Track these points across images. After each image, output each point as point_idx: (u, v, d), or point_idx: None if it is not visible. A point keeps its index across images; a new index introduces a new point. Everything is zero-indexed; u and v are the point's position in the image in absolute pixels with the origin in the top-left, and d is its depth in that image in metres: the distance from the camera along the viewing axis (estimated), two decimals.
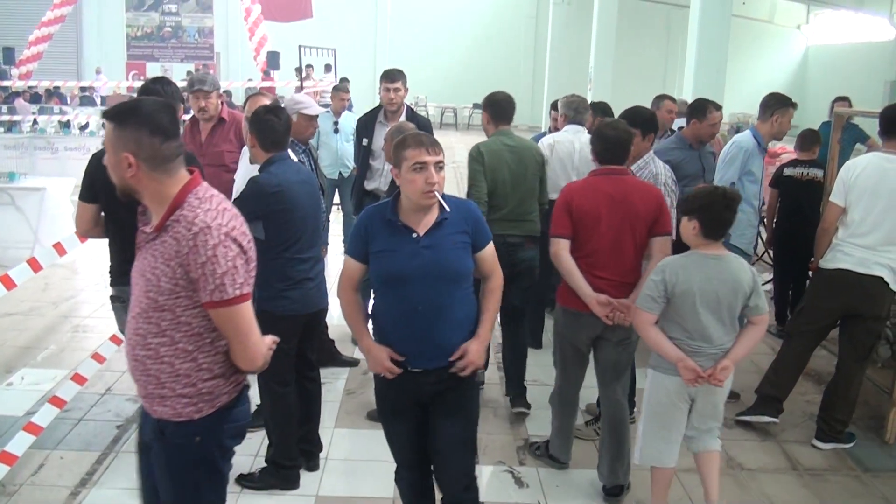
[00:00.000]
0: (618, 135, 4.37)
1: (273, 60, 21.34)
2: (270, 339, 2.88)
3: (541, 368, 6.30)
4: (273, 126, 4.27)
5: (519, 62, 30.68)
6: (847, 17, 29.24)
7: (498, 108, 5.54)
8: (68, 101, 20.60)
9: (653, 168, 4.89)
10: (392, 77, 6.44)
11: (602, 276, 4.27)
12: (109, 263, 4.29)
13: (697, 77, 11.80)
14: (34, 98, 20.76)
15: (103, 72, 26.67)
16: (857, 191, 4.93)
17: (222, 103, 5.58)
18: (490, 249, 3.54)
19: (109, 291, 4.39)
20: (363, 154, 6.50)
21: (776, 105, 5.60)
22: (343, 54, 21.49)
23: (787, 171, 7.36)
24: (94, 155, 4.10)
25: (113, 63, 29.18)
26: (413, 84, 10.67)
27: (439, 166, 3.32)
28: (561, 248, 4.31)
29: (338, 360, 6.21)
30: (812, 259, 5.44)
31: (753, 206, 5.60)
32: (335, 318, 6.87)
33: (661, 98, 7.45)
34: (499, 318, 5.73)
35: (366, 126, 6.55)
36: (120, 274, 4.08)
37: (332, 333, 6.45)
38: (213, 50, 30.95)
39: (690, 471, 4.72)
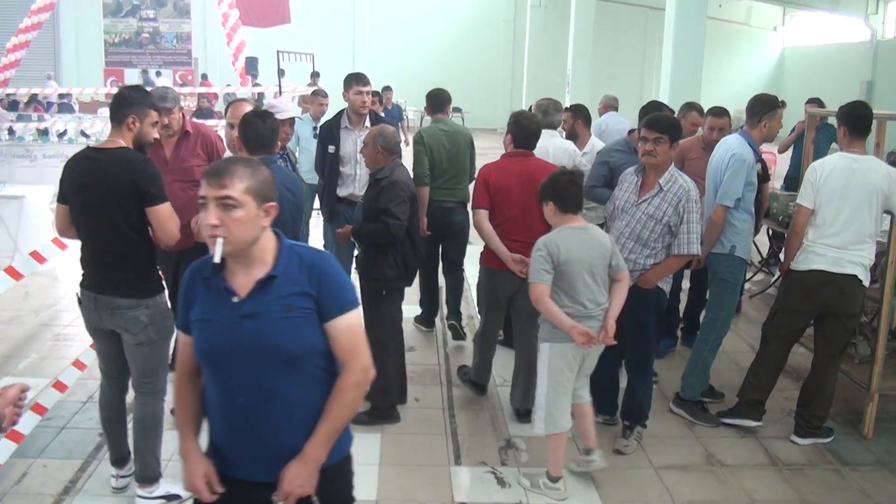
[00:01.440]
0: (531, 126, 5.40)
1: (251, 66, 21.33)
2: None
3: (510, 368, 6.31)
4: (258, 129, 4.33)
5: (497, 65, 30.81)
6: (822, 19, 29.51)
7: (434, 100, 7.00)
8: (46, 108, 20.42)
9: (682, 182, 4.77)
10: (364, 80, 6.46)
11: (516, 238, 5.17)
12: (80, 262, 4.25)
13: (674, 79, 11.90)
14: (12, 105, 20.62)
15: (83, 77, 26.38)
16: (827, 192, 4.97)
17: (183, 116, 5.48)
18: (348, 321, 2.64)
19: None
20: (330, 161, 6.47)
21: (763, 110, 5.47)
22: (321, 59, 21.47)
23: None
24: (71, 156, 4.12)
25: (91, 69, 28.97)
26: (392, 88, 11.16)
27: (225, 203, 2.49)
28: (482, 217, 5.29)
29: None
30: (781, 262, 5.49)
31: (752, 214, 5.52)
32: None
33: (689, 107, 6.95)
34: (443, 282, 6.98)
35: (330, 132, 6.53)
36: (86, 275, 4.14)
37: None
38: (191, 55, 30.87)
39: (671, 468, 4.80)
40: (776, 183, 9.14)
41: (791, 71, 32.10)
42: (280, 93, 14.50)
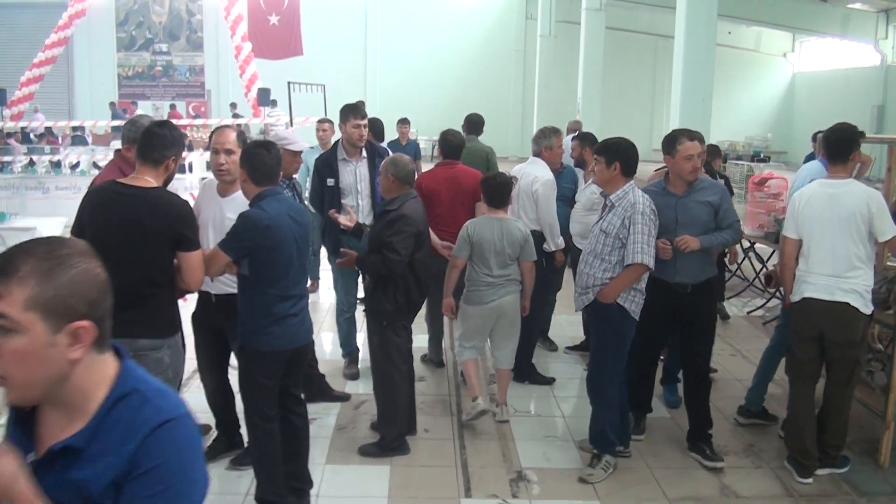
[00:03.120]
0: (454, 140, 6.75)
1: (264, 97, 21.46)
2: None
3: (524, 400, 6.34)
4: (263, 160, 4.24)
5: (508, 95, 30.95)
6: (832, 45, 29.55)
7: (470, 123, 8.77)
8: (60, 141, 20.59)
9: (631, 197, 4.89)
10: (362, 112, 6.41)
11: (444, 229, 6.18)
12: None
13: (683, 107, 11.87)
14: (25, 138, 20.80)
15: (96, 110, 26.59)
16: (807, 222, 4.95)
17: None
18: None
19: None
20: (331, 194, 6.38)
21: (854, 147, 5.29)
22: (334, 90, 21.60)
23: None
24: (89, 189, 4.09)
25: (105, 102, 29.20)
26: (410, 121, 10.86)
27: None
28: None
29: (328, 395, 6.16)
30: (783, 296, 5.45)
31: None
32: (326, 353, 6.89)
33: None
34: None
35: (328, 166, 6.43)
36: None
37: (322, 368, 6.42)
38: (204, 87, 31.12)
39: (685, 499, 4.73)
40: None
41: (802, 97, 32.14)
42: (291, 123, 14.52)
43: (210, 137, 4.94)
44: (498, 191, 5.68)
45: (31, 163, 14.46)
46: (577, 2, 19.93)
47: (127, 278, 3.84)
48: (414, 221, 5.10)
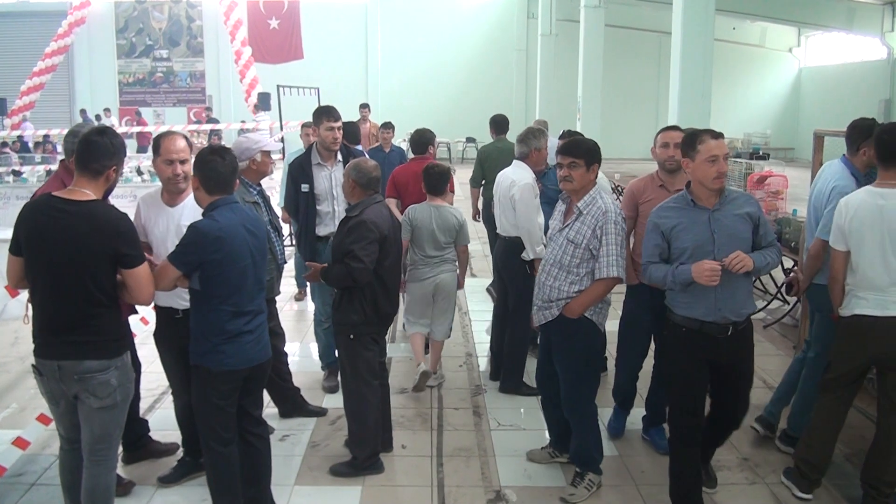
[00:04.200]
0: (420, 139, 7.47)
1: (264, 101, 21.28)
2: None
3: (509, 412, 6.10)
4: (216, 167, 4.01)
5: (510, 95, 30.63)
6: (838, 39, 29.18)
7: (497, 124, 9.33)
8: (57, 150, 20.44)
9: (601, 204, 4.57)
10: (335, 115, 6.18)
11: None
12: (32, 328, 3.90)
13: (682, 104, 11.57)
14: (24, 147, 20.68)
15: (112, 115, 26.41)
16: (855, 235, 4.52)
17: None
18: None
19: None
20: (305, 200, 6.18)
21: (861, 137, 5.08)
22: (335, 94, 21.35)
23: None
24: (25, 204, 3.85)
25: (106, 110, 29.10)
26: (405, 120, 10.51)
27: None
28: (391, 204, 6.53)
29: (304, 409, 5.92)
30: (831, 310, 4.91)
31: None
32: (300, 366, 6.64)
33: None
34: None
35: (302, 170, 6.22)
36: (43, 344, 3.77)
37: (301, 380, 6.19)
38: (205, 93, 31.04)
39: (654, 485, 4.49)
40: (787, 207, 8.79)
41: (808, 91, 31.75)
42: (281, 128, 14.34)
43: (154, 143, 4.65)
44: (435, 179, 6.28)
45: (16, 173, 14.25)
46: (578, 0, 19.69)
47: (67, 298, 3.65)
48: (377, 226, 4.82)
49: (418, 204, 6.33)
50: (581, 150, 4.62)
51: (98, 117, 25.67)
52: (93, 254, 3.62)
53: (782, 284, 9.04)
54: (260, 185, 5.41)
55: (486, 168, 8.97)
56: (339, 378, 6.37)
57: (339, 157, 6.21)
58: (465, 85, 30.79)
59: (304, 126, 9.19)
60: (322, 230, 6.19)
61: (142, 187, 13.99)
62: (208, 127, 22.79)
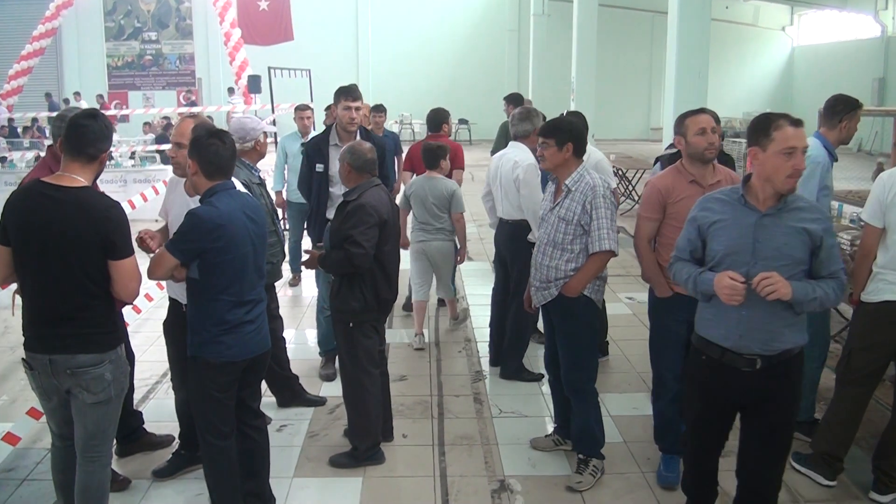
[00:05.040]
0: (435, 116, 7.99)
1: (254, 84, 21.04)
2: None
3: (510, 399, 5.96)
4: (217, 151, 3.85)
5: (503, 76, 30.39)
6: (831, 17, 29.04)
7: (512, 100, 9.22)
8: (46, 134, 20.22)
9: (589, 180, 4.52)
10: (354, 94, 5.98)
11: None
12: (21, 321, 3.71)
13: (679, 83, 11.44)
14: (13, 132, 20.45)
15: (87, 102, 26.12)
16: (894, 210, 4.32)
17: None
18: None
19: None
20: (319, 181, 6.04)
21: (844, 110, 5.03)
22: (325, 75, 21.19)
23: None
24: (12, 192, 3.69)
25: (95, 93, 28.79)
26: (397, 102, 10.36)
27: None
28: (408, 178, 7.63)
29: (302, 399, 5.79)
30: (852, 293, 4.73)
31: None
32: (295, 353, 6.50)
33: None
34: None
35: (318, 150, 6.07)
36: (34, 337, 3.62)
37: (298, 368, 6.07)
38: (194, 76, 30.74)
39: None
40: None
41: (801, 70, 31.62)
42: (273, 110, 14.15)
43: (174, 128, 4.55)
44: (430, 155, 6.90)
45: (2, 159, 14.05)
46: None
47: (58, 289, 3.50)
48: (376, 210, 4.68)
49: (416, 178, 7.10)
50: (550, 130, 4.61)
51: (67, 101, 25.40)
52: (82, 242, 3.47)
53: None
54: (258, 169, 5.30)
55: (496, 148, 9.57)
56: (336, 366, 6.32)
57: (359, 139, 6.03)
58: (456, 66, 30.54)
59: (297, 109, 9.03)
60: (331, 213, 6.00)
61: (132, 172, 13.82)
62: (198, 109, 22.52)
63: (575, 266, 4.53)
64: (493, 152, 9.29)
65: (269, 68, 14.04)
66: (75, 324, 3.55)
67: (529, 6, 27.60)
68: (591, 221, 4.46)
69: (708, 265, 3.57)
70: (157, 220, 4.68)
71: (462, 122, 29.32)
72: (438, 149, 6.89)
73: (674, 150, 4.99)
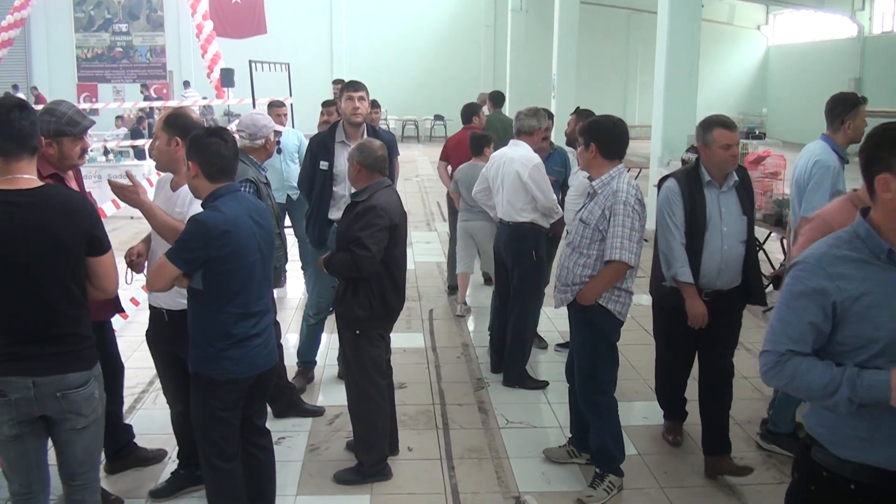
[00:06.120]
0: (469, 109, 8.70)
1: (227, 78, 20.68)
2: None
3: (515, 408, 5.73)
4: (220, 151, 3.57)
5: (479, 72, 30.18)
6: (808, 17, 29.12)
7: (495, 98, 10.61)
8: None
9: (615, 185, 4.32)
10: (356, 85, 5.74)
11: None
12: None
13: (668, 83, 11.30)
14: None
15: (56, 94, 25.56)
16: None
17: None
18: None
19: None
20: (322, 179, 5.77)
21: (844, 110, 4.90)
22: (298, 69, 20.81)
23: None
24: None
25: (64, 85, 28.26)
26: (372, 96, 9.97)
27: None
28: (443, 168, 8.69)
29: (299, 409, 5.54)
30: None
31: None
32: (295, 360, 6.24)
33: None
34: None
35: (323, 147, 5.79)
36: (7, 359, 3.16)
37: (291, 377, 5.82)
38: (165, 69, 30.21)
39: (681, 487, 4.21)
40: (786, 189, 8.55)
41: (777, 70, 31.71)
42: (254, 105, 13.84)
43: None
44: (475, 143, 7.53)
45: None
46: None
47: (43, 302, 3.14)
48: (387, 212, 4.43)
49: (464, 164, 7.61)
50: (582, 129, 4.62)
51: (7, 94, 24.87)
52: (66, 244, 3.13)
53: (770, 278, 8.82)
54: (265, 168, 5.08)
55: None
56: (307, 379, 6.11)
57: (365, 136, 5.78)
58: (432, 62, 30.24)
59: (271, 106, 8.83)
60: (334, 213, 5.74)
61: (107, 167, 13.44)
62: (187, 103, 22.08)
63: (590, 273, 4.35)
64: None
65: (251, 62, 13.70)
66: (64, 339, 3.20)
67: (506, 2, 27.40)
68: (609, 228, 4.27)
69: (856, 360, 2.43)
70: (132, 218, 4.36)
71: (437, 118, 29.10)
72: (483, 138, 7.56)
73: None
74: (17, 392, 3.14)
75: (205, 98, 23.42)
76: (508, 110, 22.31)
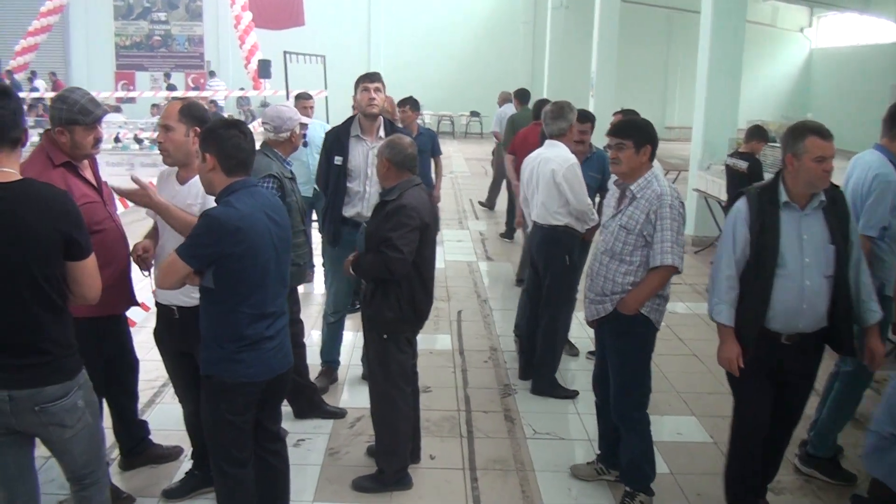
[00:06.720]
0: (539, 105, 8.22)
1: (264, 69, 20.65)
2: None
3: (543, 418, 5.53)
4: (239, 144, 3.43)
5: (516, 69, 29.88)
6: (851, 20, 28.55)
7: (521, 95, 11.30)
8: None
9: (657, 187, 4.11)
10: (372, 76, 5.59)
11: None
12: None
13: (711, 86, 11.02)
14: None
15: (93, 81, 25.77)
16: None
17: None
18: None
19: None
20: (337, 174, 5.61)
21: None
22: (335, 63, 20.70)
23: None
24: None
25: (102, 73, 28.43)
26: (408, 92, 9.82)
27: None
28: (510, 161, 8.50)
29: (321, 410, 5.39)
30: None
31: None
32: (318, 360, 6.09)
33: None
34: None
35: (337, 141, 5.63)
36: None
37: (314, 377, 5.67)
38: (203, 58, 30.29)
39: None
40: None
41: (819, 73, 31.15)
42: (287, 96, 13.70)
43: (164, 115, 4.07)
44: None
45: None
46: None
47: (15, 307, 2.91)
48: (418, 212, 4.25)
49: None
50: (629, 131, 4.19)
51: (32, 77, 25.00)
52: (41, 243, 2.93)
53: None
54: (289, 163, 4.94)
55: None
56: (329, 379, 5.97)
57: (382, 132, 5.61)
58: (469, 58, 30.03)
59: (298, 98, 8.66)
60: (348, 210, 5.60)
61: (139, 155, 13.41)
62: (208, 93, 22.12)
63: (633, 280, 4.13)
64: (503, 144, 10.60)
65: (286, 53, 13.57)
66: (38, 348, 2.99)
67: None
68: (655, 233, 4.05)
69: None
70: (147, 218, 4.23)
71: (473, 114, 28.89)
72: None
73: (766, 181, 4.07)
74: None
75: (242, 89, 23.44)
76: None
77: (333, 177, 5.61)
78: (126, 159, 13.00)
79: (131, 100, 24.33)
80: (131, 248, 4.08)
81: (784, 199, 3.79)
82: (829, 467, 4.71)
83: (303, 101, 8.46)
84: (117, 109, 25.66)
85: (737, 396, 4.08)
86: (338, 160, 5.59)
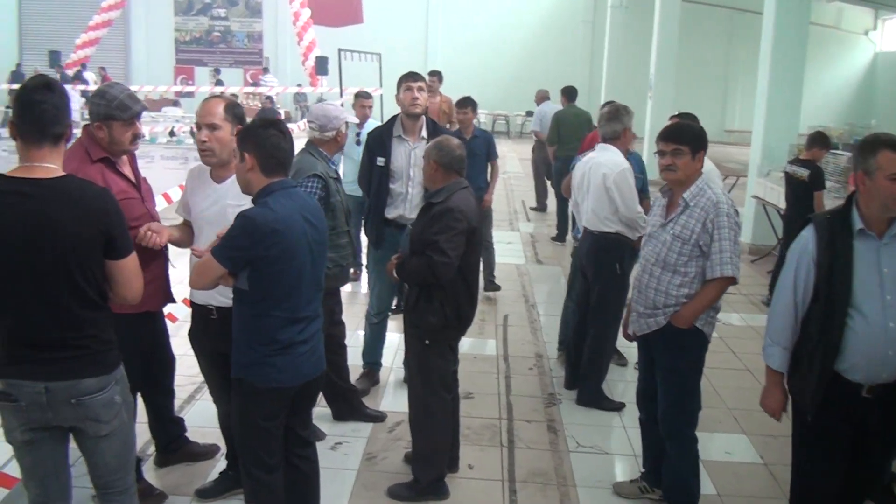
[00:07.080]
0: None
1: (322, 65, 20.77)
2: None
3: (588, 430, 5.37)
4: (279, 144, 3.36)
5: (574, 69, 29.56)
6: None
7: (568, 93, 11.72)
8: None
9: (711, 195, 3.93)
10: (415, 76, 5.52)
11: None
12: None
13: (772, 88, 10.72)
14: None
15: (153, 75, 26.13)
16: None
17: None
18: None
19: None
20: (379, 176, 5.52)
21: None
22: (390, 60, 20.67)
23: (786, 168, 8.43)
24: None
25: (162, 67, 28.81)
26: (464, 91, 9.68)
27: None
28: None
29: (360, 413, 5.30)
30: None
31: None
32: (350, 357, 6.00)
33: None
34: None
35: (380, 142, 5.54)
36: (17, 361, 2.92)
37: (355, 379, 5.59)
38: (262, 55, 30.52)
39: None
40: None
41: (884, 78, 30.31)
42: (341, 94, 13.67)
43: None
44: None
45: None
46: None
47: (53, 303, 2.86)
48: (465, 216, 4.12)
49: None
50: (687, 136, 4.01)
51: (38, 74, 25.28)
52: (80, 241, 2.88)
53: None
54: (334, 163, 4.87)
55: (563, 131, 11.13)
56: (371, 381, 5.90)
57: (425, 133, 5.51)
58: (527, 57, 29.78)
59: (357, 96, 8.56)
60: (390, 212, 5.51)
61: (194, 150, 13.49)
62: (264, 89, 22.28)
63: (688, 292, 3.96)
64: (548, 139, 11.51)
65: (340, 50, 13.54)
66: (76, 343, 2.95)
67: None
68: (713, 243, 3.89)
69: None
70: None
71: (529, 114, 28.65)
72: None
73: (837, 207, 3.51)
74: (27, 398, 2.92)
75: (299, 85, 23.58)
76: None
77: (376, 178, 5.54)
78: (181, 153, 13.05)
79: (189, 94, 24.61)
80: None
81: (859, 226, 3.28)
82: (883, 496, 4.23)
83: (362, 100, 8.39)
84: (175, 103, 26.08)
85: (799, 463, 3.61)
86: (380, 161, 5.51)
